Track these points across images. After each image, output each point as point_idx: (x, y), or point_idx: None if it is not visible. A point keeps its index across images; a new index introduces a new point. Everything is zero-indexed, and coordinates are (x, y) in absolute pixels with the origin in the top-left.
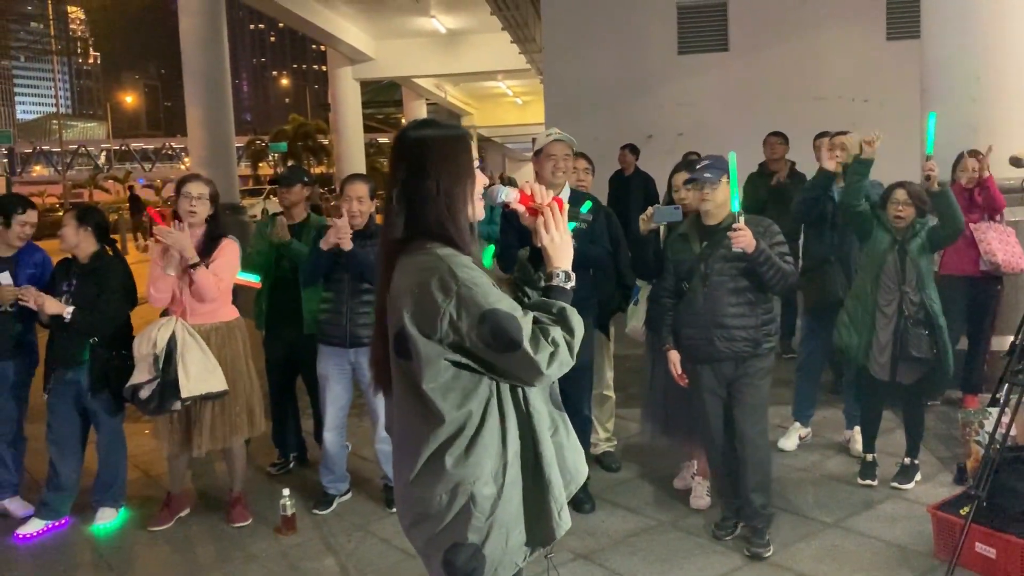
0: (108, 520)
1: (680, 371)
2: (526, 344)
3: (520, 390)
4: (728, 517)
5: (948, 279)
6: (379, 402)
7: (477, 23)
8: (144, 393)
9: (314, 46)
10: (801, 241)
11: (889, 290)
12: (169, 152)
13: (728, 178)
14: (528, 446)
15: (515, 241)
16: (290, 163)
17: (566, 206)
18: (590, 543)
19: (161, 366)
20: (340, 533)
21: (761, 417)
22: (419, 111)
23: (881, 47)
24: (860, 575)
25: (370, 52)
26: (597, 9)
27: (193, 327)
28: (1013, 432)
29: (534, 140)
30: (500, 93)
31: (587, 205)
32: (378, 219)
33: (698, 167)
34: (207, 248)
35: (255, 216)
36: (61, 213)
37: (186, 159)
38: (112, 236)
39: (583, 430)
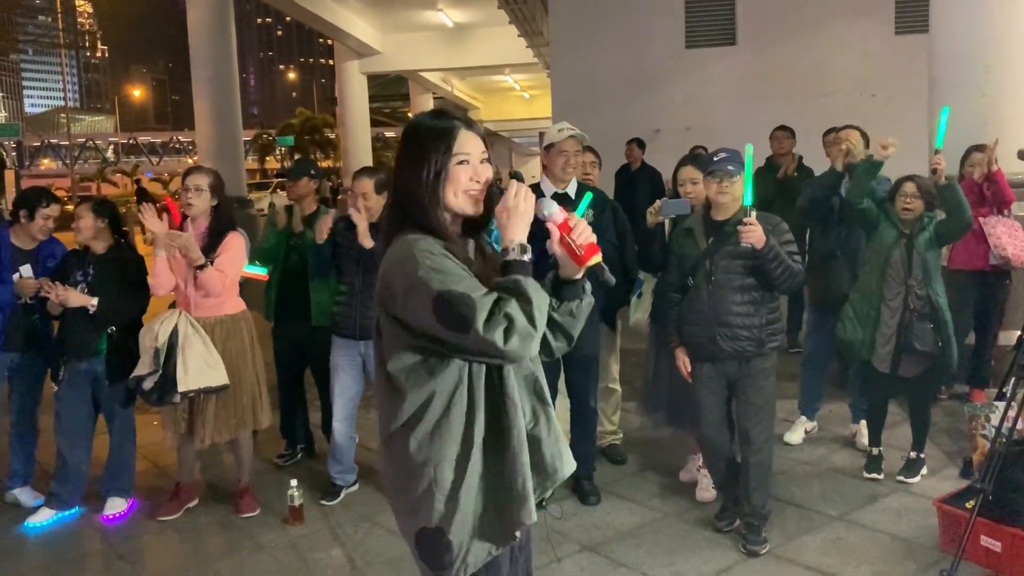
0: (117, 510)
1: (689, 369)
2: (478, 324)
3: (496, 377)
4: (727, 508)
5: (957, 273)
6: None
7: (484, 17)
8: (147, 385)
9: (321, 40)
10: (807, 236)
11: (895, 284)
12: (176, 146)
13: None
14: (497, 435)
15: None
16: (297, 156)
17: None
18: (596, 535)
19: (162, 360)
20: (347, 524)
21: (765, 417)
22: (426, 105)
23: (889, 41)
24: (865, 568)
25: (377, 46)
26: (604, 3)
27: (198, 320)
28: (1019, 426)
29: (541, 134)
30: (507, 87)
31: (587, 197)
32: None
33: (717, 159)
34: (212, 243)
35: (262, 210)
36: (71, 207)
37: (194, 153)
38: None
39: (589, 422)
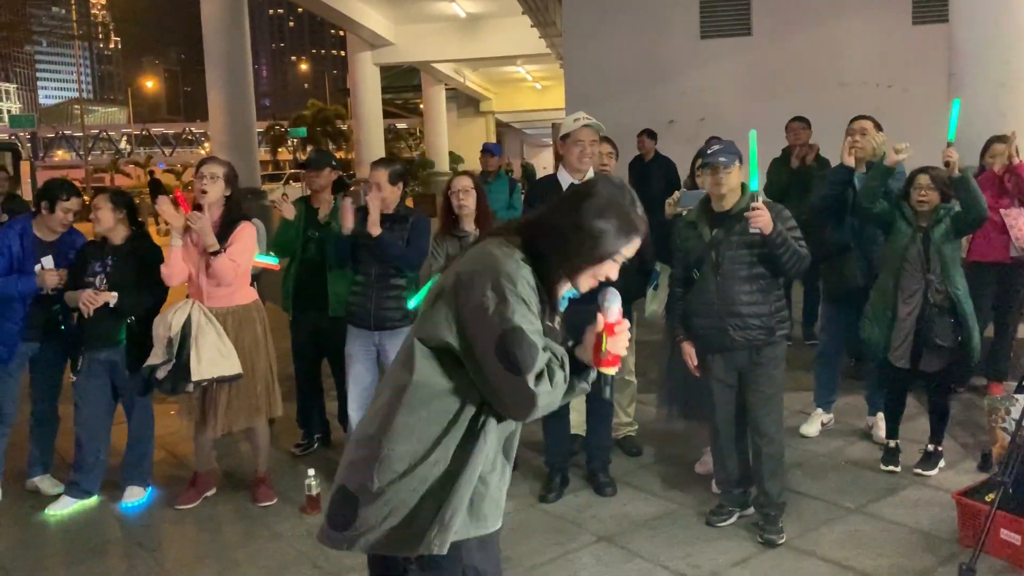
0: (136, 498)
1: (696, 362)
2: (531, 375)
3: (484, 414)
4: (724, 505)
5: (977, 266)
6: None
7: (497, 7)
8: (160, 374)
9: (333, 31)
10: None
11: (913, 279)
12: (189, 137)
13: (741, 164)
14: (458, 457)
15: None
16: (310, 148)
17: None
18: (612, 526)
19: (176, 349)
20: None
21: (776, 406)
22: (438, 96)
23: (906, 31)
24: (883, 560)
25: (390, 37)
26: None
27: (210, 310)
28: None
29: (553, 125)
30: (519, 78)
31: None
32: (408, 202)
33: (710, 151)
34: (225, 232)
35: (274, 201)
36: (87, 198)
37: (206, 144)
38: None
39: (605, 414)
